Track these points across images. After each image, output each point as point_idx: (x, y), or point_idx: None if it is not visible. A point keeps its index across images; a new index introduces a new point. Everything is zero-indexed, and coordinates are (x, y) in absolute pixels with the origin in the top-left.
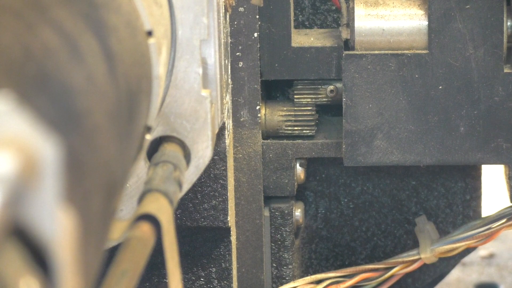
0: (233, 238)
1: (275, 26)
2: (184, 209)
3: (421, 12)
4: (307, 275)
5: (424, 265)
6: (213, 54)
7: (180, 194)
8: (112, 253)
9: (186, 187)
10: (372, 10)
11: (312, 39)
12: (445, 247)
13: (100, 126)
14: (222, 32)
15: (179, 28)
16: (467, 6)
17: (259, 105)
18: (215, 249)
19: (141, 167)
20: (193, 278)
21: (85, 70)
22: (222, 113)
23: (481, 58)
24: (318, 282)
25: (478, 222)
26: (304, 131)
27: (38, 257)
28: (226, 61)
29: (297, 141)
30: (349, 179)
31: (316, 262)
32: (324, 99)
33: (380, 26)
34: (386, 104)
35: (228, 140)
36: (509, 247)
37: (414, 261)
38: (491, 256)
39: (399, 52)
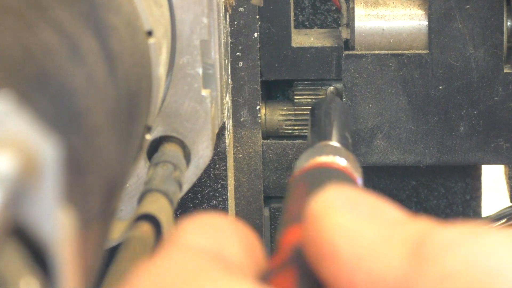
0: None
1: (275, 26)
2: (184, 209)
3: (421, 12)
4: None
5: None
6: (213, 54)
7: (180, 194)
8: (112, 253)
9: (186, 187)
10: (372, 10)
11: (312, 39)
12: None
13: (100, 126)
14: (222, 32)
15: (179, 28)
16: (467, 6)
17: (259, 105)
18: None
19: (141, 167)
20: None
21: (85, 70)
22: (222, 113)
23: (481, 58)
24: None
25: (478, 222)
26: (304, 131)
27: (38, 257)
28: (226, 61)
29: (297, 141)
30: None
31: None
32: None
33: (380, 26)
34: (386, 104)
35: (228, 140)
36: None
37: None
38: None
39: (399, 52)
